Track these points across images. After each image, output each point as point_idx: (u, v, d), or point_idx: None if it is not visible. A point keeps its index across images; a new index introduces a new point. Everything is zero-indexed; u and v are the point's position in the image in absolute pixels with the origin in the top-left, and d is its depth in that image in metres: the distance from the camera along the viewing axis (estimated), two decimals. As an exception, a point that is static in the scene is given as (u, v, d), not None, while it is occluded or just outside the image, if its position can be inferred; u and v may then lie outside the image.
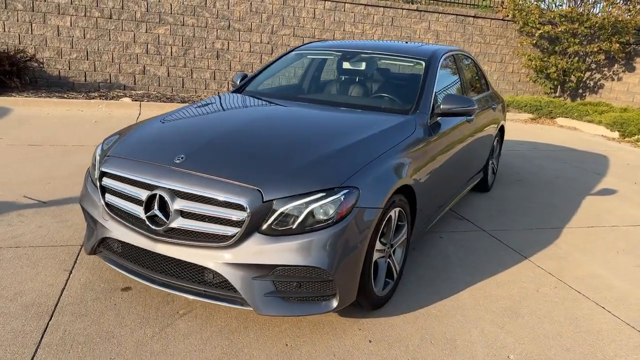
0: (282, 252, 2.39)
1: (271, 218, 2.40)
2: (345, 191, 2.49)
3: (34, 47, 9.60)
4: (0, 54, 8.78)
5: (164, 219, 2.50)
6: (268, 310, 2.42)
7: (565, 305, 3.17)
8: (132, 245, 2.62)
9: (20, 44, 9.52)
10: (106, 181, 2.75)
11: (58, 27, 9.69)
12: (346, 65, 4.26)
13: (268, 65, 4.34)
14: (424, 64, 3.89)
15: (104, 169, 2.76)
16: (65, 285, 2.92)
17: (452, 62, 4.36)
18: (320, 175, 2.52)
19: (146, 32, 10.14)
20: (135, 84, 10.29)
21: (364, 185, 2.57)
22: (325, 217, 2.43)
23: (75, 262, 3.20)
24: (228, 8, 10.47)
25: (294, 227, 2.41)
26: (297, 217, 2.41)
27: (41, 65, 9.60)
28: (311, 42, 4.65)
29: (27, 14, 9.49)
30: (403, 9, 11.49)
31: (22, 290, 2.84)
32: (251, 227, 2.39)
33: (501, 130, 5.54)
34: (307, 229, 2.41)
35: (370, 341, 2.63)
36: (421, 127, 3.35)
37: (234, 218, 2.39)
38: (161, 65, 10.38)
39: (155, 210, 2.51)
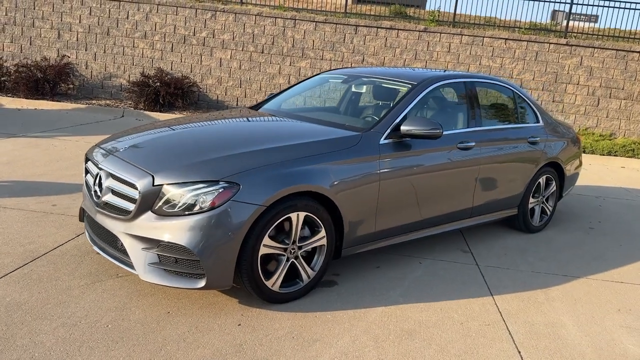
0: (164, 230, 2.86)
1: (161, 200, 2.90)
2: (224, 185, 2.87)
3: (201, 75, 11.53)
4: (169, 79, 10.77)
5: (99, 194, 3.17)
6: (148, 277, 2.90)
7: (475, 341, 2.97)
8: (88, 213, 3.35)
9: (191, 72, 11.54)
10: (88, 164, 3.56)
11: (221, 59, 11.48)
12: (349, 88, 4.52)
13: (292, 86, 4.82)
14: (408, 88, 3.97)
15: (86, 154, 3.57)
16: (64, 243, 3.79)
17: (462, 89, 4.29)
18: (207, 169, 2.94)
19: (290, 65, 11.37)
20: (276, 109, 11.55)
21: (248, 183, 2.90)
22: (202, 205, 2.84)
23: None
24: (364, 44, 11.15)
25: (177, 210, 2.87)
26: (180, 201, 2.86)
27: (201, 90, 11.47)
28: (339, 68, 4.99)
29: (199, 48, 11.48)
30: (550, 43, 10.79)
31: (35, 241, 3.79)
32: (145, 206, 2.92)
33: (556, 168, 5.06)
34: (186, 213, 2.85)
35: (239, 325, 2.91)
36: (367, 144, 3.49)
37: (132, 196, 2.95)
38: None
39: (95, 186, 3.21)
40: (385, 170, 3.53)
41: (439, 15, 11.72)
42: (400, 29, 11.07)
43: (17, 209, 4.40)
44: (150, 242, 2.90)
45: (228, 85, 11.55)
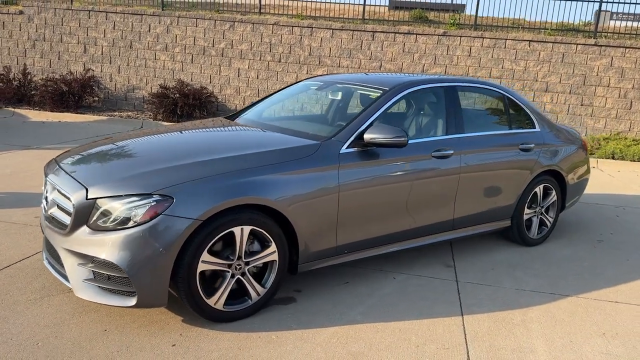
0: (96, 246, 2.77)
1: (95, 215, 2.81)
2: (157, 198, 2.75)
3: (219, 86, 11.60)
4: (188, 90, 10.88)
5: (46, 207, 3.13)
6: (82, 293, 2.81)
7: (426, 366, 2.73)
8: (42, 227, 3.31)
9: (210, 82, 11.63)
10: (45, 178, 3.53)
11: (239, 69, 11.52)
12: (326, 95, 4.34)
13: (275, 92, 4.68)
14: (379, 94, 3.77)
15: (45, 166, 3.55)
16: (30, 256, 3.77)
17: (442, 94, 4.04)
18: (141, 182, 2.84)
19: (307, 73, 11.28)
20: (294, 118, 11.47)
21: (183, 196, 2.78)
22: (134, 219, 2.73)
23: (59, 243, 4.05)
24: (381, 50, 10.94)
25: (110, 224, 2.77)
26: (113, 216, 2.77)
27: (219, 100, 11.52)
28: (321, 75, 4.82)
29: (218, 59, 11.56)
30: (577, 44, 10.26)
31: (2, 253, 3.79)
32: (80, 220, 2.84)
33: (556, 177, 4.71)
34: (118, 227, 2.75)
35: (173, 345, 2.78)
36: (325, 154, 3.31)
37: (69, 209, 2.88)
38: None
39: (42, 199, 3.17)
40: (347, 181, 3.34)
41: (459, 19, 11.37)
42: (419, 34, 10.80)
43: (-2, 221, 4.45)
44: (85, 258, 2.82)
45: (246, 95, 11.56)
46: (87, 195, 2.83)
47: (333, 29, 11.08)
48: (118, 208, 2.77)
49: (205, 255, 2.86)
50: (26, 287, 3.31)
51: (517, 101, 4.59)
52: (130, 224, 2.73)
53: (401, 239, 3.76)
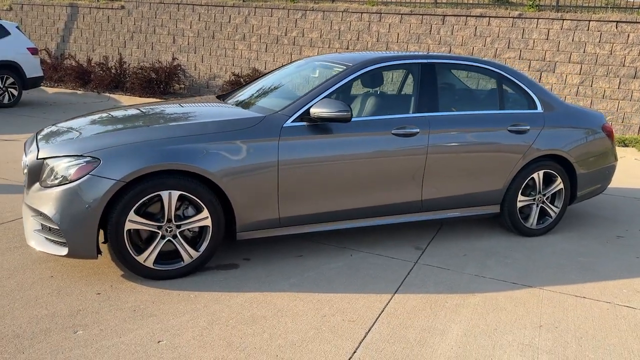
0: (40, 200, 3.13)
1: (45, 173, 3.17)
2: (86, 159, 3.05)
3: (291, 73, 11.92)
4: (244, 76, 11.35)
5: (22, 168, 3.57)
6: (31, 242, 3.20)
7: (317, 335, 2.72)
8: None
9: (282, 70, 11.99)
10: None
11: (309, 57, 11.73)
12: (308, 73, 4.36)
13: (268, 72, 4.80)
14: (340, 70, 3.74)
15: (39, 135, 4.03)
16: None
17: (416, 72, 3.90)
18: (77, 145, 3.15)
19: (374, 59, 11.17)
20: (361, 105, 11.46)
21: (110, 159, 3.05)
22: (68, 178, 3.05)
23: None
24: (451, 34, 10.53)
25: (51, 182, 3.12)
26: (54, 174, 3.11)
27: (287, 87, 11.85)
28: (312, 56, 4.82)
29: (290, 47, 11.90)
30: (675, 23, 9.06)
31: (11, 210, 4.35)
32: (34, 178, 3.22)
33: (561, 163, 4.29)
34: (57, 184, 3.08)
35: (98, 294, 3.06)
36: (266, 127, 3.38)
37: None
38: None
39: (21, 163, 3.62)
40: (289, 155, 3.39)
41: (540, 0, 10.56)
42: (492, 17, 10.23)
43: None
44: (35, 211, 3.19)
45: (315, 82, 11.74)
46: (37, 156, 3.20)
47: (402, 14, 10.88)
48: (59, 167, 3.10)
49: (132, 215, 3.09)
50: (11, 239, 3.79)
51: (514, 79, 4.24)
52: (65, 182, 3.05)
53: (356, 217, 3.72)
